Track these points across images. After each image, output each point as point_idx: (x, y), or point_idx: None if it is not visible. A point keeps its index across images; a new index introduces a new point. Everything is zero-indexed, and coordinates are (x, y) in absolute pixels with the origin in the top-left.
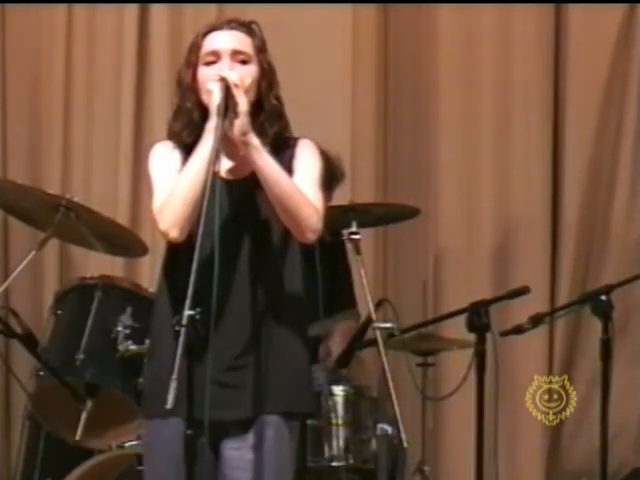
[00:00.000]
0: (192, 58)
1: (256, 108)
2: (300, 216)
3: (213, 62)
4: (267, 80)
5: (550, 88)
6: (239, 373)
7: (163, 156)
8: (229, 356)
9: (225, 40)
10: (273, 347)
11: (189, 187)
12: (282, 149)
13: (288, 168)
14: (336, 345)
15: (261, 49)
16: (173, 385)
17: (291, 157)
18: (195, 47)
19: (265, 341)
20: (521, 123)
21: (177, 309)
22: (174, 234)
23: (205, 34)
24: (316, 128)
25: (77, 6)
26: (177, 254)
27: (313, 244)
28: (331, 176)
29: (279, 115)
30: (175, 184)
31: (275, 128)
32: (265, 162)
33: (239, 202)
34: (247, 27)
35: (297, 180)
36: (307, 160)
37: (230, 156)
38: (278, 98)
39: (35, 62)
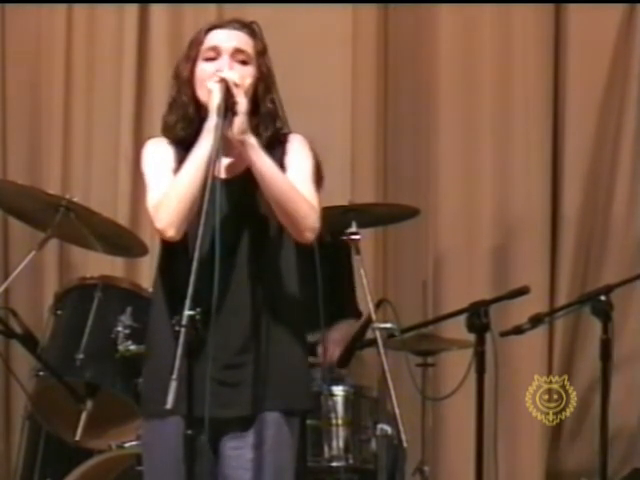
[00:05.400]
0: (192, 53)
1: (251, 110)
2: (298, 215)
3: (213, 58)
4: (265, 83)
5: (550, 88)
6: (238, 371)
7: (157, 152)
8: (228, 354)
9: (227, 38)
10: (272, 344)
11: (187, 186)
12: (274, 145)
13: (280, 164)
14: (334, 344)
15: (261, 52)
16: (173, 385)
17: (282, 153)
18: (196, 42)
19: (264, 338)
20: (521, 123)
21: (174, 308)
22: (171, 233)
23: (207, 31)
24: (316, 128)
25: (77, 6)
26: (173, 252)
27: (312, 246)
28: (318, 176)
29: (273, 119)
30: (172, 183)
31: (269, 132)
32: (262, 161)
33: (237, 199)
34: (250, 29)
35: (291, 177)
36: (299, 155)
37: (226, 154)
38: (274, 102)
39: (35, 62)
